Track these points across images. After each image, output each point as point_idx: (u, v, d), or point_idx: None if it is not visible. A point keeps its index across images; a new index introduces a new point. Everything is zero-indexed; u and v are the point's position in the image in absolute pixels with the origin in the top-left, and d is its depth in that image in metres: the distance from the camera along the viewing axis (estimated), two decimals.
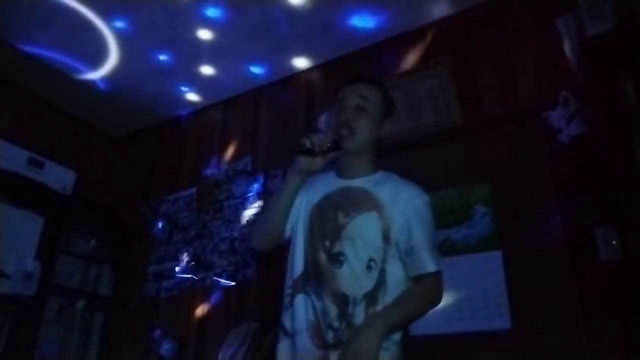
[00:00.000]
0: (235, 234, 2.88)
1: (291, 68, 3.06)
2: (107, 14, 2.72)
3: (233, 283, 2.77)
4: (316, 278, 1.36)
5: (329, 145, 1.40)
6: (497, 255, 2.06)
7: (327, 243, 1.38)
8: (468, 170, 2.26)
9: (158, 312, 2.99)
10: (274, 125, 3.08)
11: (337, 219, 1.39)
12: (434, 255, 1.34)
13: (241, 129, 3.22)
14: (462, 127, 2.37)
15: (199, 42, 2.86)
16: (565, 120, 2.10)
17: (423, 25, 2.70)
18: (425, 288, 1.34)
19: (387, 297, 1.31)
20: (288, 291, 1.41)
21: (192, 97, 3.35)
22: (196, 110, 3.50)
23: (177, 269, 3.02)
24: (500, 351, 1.93)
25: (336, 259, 1.35)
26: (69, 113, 3.51)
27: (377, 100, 1.51)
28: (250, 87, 3.23)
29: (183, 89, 3.28)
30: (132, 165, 3.68)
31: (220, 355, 2.38)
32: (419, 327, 2.01)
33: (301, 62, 3.02)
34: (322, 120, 2.74)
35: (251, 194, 2.93)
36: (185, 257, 3.02)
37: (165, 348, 2.72)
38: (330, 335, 1.28)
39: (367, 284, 1.32)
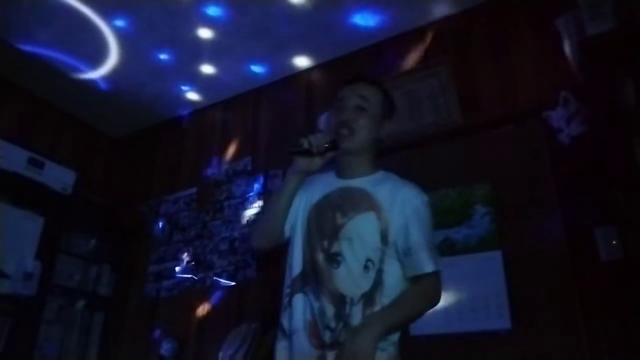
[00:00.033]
0: (235, 234, 2.88)
1: (292, 67, 3.06)
2: (107, 13, 2.72)
3: (233, 283, 2.77)
4: (314, 278, 1.36)
5: (326, 145, 1.41)
6: (497, 255, 2.06)
7: (325, 243, 1.38)
8: (468, 170, 2.26)
9: (158, 312, 2.99)
10: (274, 125, 3.08)
11: (335, 219, 1.39)
12: (432, 256, 1.33)
13: (241, 129, 3.21)
14: (462, 127, 2.37)
15: (199, 41, 2.86)
16: (565, 120, 2.10)
17: (423, 25, 2.70)
18: (423, 288, 1.33)
19: (385, 298, 1.31)
20: (286, 291, 1.42)
21: (193, 96, 3.35)
22: (196, 110, 3.50)
23: (177, 269, 3.02)
24: (500, 351, 1.93)
25: (334, 259, 1.35)
26: (69, 113, 3.51)
27: (377, 100, 1.51)
28: (251, 86, 3.23)
29: (183, 88, 3.28)
30: (132, 165, 3.68)
31: (220, 355, 2.38)
32: (419, 327, 2.02)
33: (302, 62, 3.02)
34: (322, 120, 2.74)
35: (251, 194, 2.93)
36: (185, 257, 3.02)
37: (165, 348, 2.72)
38: (327, 336, 1.29)
39: (365, 285, 1.32)
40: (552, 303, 1.89)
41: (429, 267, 1.32)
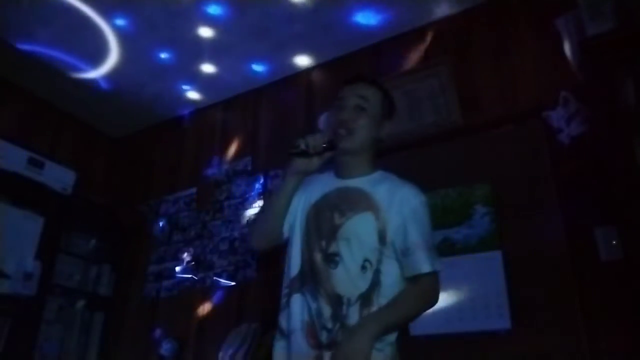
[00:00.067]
0: (235, 234, 2.88)
1: (292, 67, 3.06)
2: (107, 12, 2.72)
3: (233, 283, 2.77)
4: (312, 278, 1.36)
5: (324, 145, 1.41)
6: (497, 255, 2.06)
7: (323, 243, 1.38)
8: (468, 170, 2.25)
9: (158, 312, 2.99)
10: (274, 125, 3.08)
11: (333, 219, 1.39)
12: (430, 256, 1.33)
13: (241, 129, 3.22)
14: (462, 127, 2.37)
15: (200, 40, 2.86)
16: (565, 120, 2.10)
17: (423, 25, 2.70)
18: (421, 289, 1.33)
19: (382, 298, 1.31)
20: (285, 291, 1.42)
21: (193, 95, 3.35)
22: (196, 110, 3.50)
23: (177, 269, 3.02)
24: (500, 351, 1.93)
25: (331, 259, 1.35)
26: (69, 113, 3.51)
27: (377, 100, 1.51)
28: (252, 86, 3.23)
29: (184, 87, 3.27)
30: (132, 165, 3.68)
31: (220, 355, 2.38)
32: (419, 327, 2.03)
33: (303, 60, 3.01)
34: (322, 120, 2.74)
35: (251, 194, 2.93)
36: (185, 257, 3.02)
37: (165, 348, 2.72)
38: (324, 336, 1.29)
39: (362, 285, 1.32)
40: (552, 303, 1.89)
41: (426, 267, 1.31)
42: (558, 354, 1.83)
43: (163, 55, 3.00)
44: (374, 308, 1.29)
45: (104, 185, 3.58)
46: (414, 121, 2.49)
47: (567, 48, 2.15)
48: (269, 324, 2.22)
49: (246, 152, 3.10)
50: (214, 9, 2.65)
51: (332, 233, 1.37)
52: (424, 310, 1.35)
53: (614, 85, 1.82)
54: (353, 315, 1.28)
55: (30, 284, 2.56)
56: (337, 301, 1.31)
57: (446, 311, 2.04)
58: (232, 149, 3.18)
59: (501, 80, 2.38)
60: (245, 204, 2.93)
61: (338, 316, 1.29)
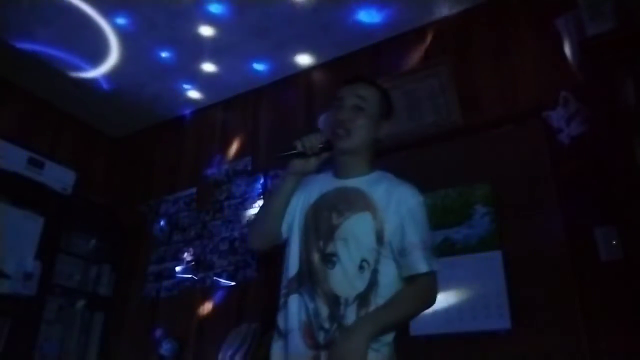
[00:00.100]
0: (235, 234, 2.88)
1: (293, 66, 3.05)
2: (108, 11, 2.71)
3: (233, 283, 2.77)
4: (310, 278, 1.36)
5: (320, 146, 1.42)
6: (497, 255, 2.06)
7: (321, 243, 1.38)
8: (468, 170, 2.26)
9: (158, 312, 2.99)
10: (274, 125, 3.08)
11: (331, 219, 1.39)
12: (428, 256, 1.32)
13: (241, 129, 3.22)
14: (462, 127, 2.37)
15: (201, 39, 2.86)
16: (565, 120, 2.10)
17: (423, 25, 2.70)
18: (418, 289, 1.33)
19: (379, 299, 1.30)
20: (283, 291, 1.42)
21: (194, 94, 3.34)
22: (196, 111, 3.50)
23: (177, 269, 3.02)
24: (500, 351, 1.93)
25: (329, 259, 1.35)
26: (69, 113, 3.51)
27: (375, 100, 1.51)
28: (252, 85, 3.23)
29: (185, 86, 3.27)
30: (132, 165, 3.68)
31: (220, 355, 2.38)
32: (419, 327, 2.03)
33: (304, 59, 3.01)
34: (322, 120, 2.74)
35: (251, 194, 2.93)
36: (185, 257, 3.02)
37: (165, 348, 2.72)
38: (321, 336, 1.28)
39: (359, 285, 1.31)
40: (552, 303, 1.89)
41: (423, 267, 1.31)
42: (558, 354, 1.83)
43: (164, 55, 3.00)
44: (372, 308, 1.29)
45: (104, 185, 3.58)
46: (414, 121, 2.49)
47: (567, 48, 2.15)
48: (269, 324, 2.21)
49: (246, 152, 3.10)
50: (215, 8, 2.65)
51: (330, 233, 1.37)
52: (422, 311, 1.35)
53: (614, 85, 1.82)
54: (350, 316, 1.28)
55: (30, 284, 2.56)
56: (334, 301, 1.30)
57: (446, 311, 2.04)
58: (232, 149, 3.18)
59: (501, 80, 2.38)
60: (245, 204, 2.93)
61: (335, 316, 1.29)
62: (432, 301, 1.35)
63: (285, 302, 1.39)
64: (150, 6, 2.66)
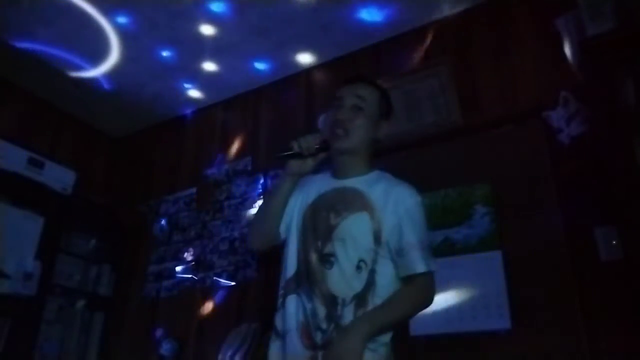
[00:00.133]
0: (235, 234, 2.88)
1: (294, 65, 3.05)
2: (108, 11, 2.71)
3: (233, 283, 2.77)
4: (307, 279, 1.36)
5: (317, 147, 1.42)
6: (497, 255, 2.06)
7: (319, 244, 1.38)
8: (468, 170, 2.26)
9: (158, 312, 2.99)
10: (274, 125, 3.08)
11: (329, 219, 1.39)
12: (425, 256, 1.32)
13: (241, 128, 3.22)
14: (462, 127, 2.37)
15: (201, 38, 2.85)
16: (565, 120, 2.10)
17: (423, 25, 2.70)
18: (416, 289, 1.33)
19: (377, 299, 1.30)
20: (281, 292, 1.42)
21: (195, 93, 3.34)
22: (197, 110, 3.50)
23: (177, 269, 3.02)
24: (500, 351, 1.93)
25: (327, 259, 1.35)
26: (69, 113, 3.51)
27: (374, 100, 1.51)
28: (253, 85, 3.22)
29: (186, 85, 3.26)
30: (132, 165, 3.68)
31: (220, 355, 2.38)
32: (419, 327, 2.03)
33: (305, 58, 3.00)
34: (322, 120, 2.74)
35: (251, 194, 2.93)
36: (185, 257, 3.02)
37: (165, 348, 2.72)
38: (318, 337, 1.28)
39: (357, 285, 1.31)
40: (552, 303, 1.89)
41: (421, 268, 1.31)
42: (558, 354, 1.83)
43: (164, 54, 2.99)
44: (369, 308, 1.29)
45: (104, 185, 3.58)
46: (414, 121, 2.49)
47: (567, 48, 2.15)
48: (269, 324, 2.21)
49: (246, 152, 3.10)
50: (216, 6, 2.64)
51: (328, 233, 1.37)
52: (419, 311, 1.35)
53: (614, 85, 1.82)
54: (348, 316, 1.28)
55: (30, 284, 2.56)
56: (332, 301, 1.30)
57: (446, 311, 2.04)
58: (233, 149, 3.18)
59: (501, 80, 2.38)
60: (245, 204, 2.93)
61: (333, 317, 1.29)
62: (430, 301, 1.35)
63: (283, 303, 1.39)
64: (150, 5, 2.66)
